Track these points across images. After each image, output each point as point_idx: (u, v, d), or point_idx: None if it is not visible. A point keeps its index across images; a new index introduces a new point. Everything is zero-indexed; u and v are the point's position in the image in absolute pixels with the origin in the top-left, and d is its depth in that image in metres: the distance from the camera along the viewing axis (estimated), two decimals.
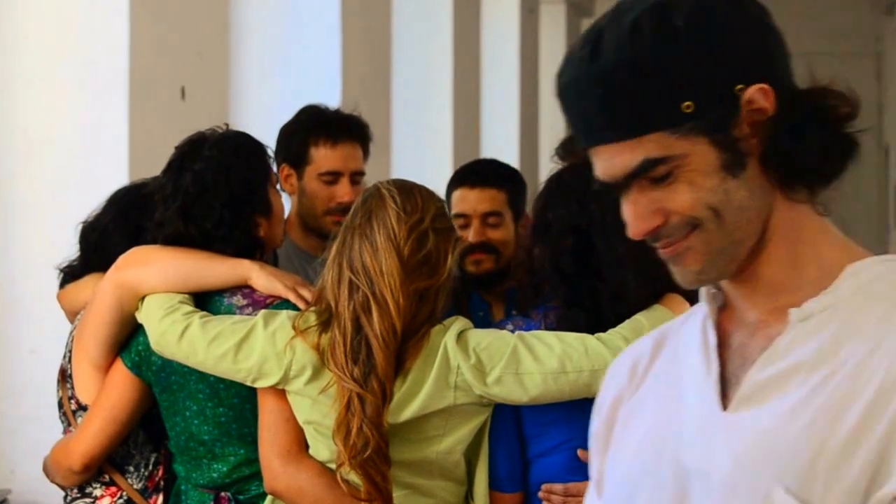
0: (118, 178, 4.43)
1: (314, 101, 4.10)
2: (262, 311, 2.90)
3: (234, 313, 2.98)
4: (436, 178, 3.54)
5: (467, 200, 3.85)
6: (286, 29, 6.19)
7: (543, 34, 12.68)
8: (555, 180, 3.02)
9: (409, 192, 2.86)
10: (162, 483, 3.15)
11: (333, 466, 2.83)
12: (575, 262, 2.89)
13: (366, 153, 3.93)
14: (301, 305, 2.92)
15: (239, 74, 5.94)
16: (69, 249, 3.50)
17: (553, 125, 12.05)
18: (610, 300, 2.87)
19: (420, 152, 8.17)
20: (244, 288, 3.01)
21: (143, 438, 3.15)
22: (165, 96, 4.80)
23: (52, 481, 3.22)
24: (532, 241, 3.02)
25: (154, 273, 2.98)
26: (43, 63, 4.54)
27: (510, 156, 10.22)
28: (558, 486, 2.91)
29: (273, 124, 3.97)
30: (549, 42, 12.93)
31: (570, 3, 13.71)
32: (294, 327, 2.82)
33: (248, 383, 2.87)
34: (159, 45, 4.73)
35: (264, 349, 2.83)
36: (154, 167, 4.23)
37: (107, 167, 4.52)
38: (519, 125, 11.05)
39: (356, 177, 3.87)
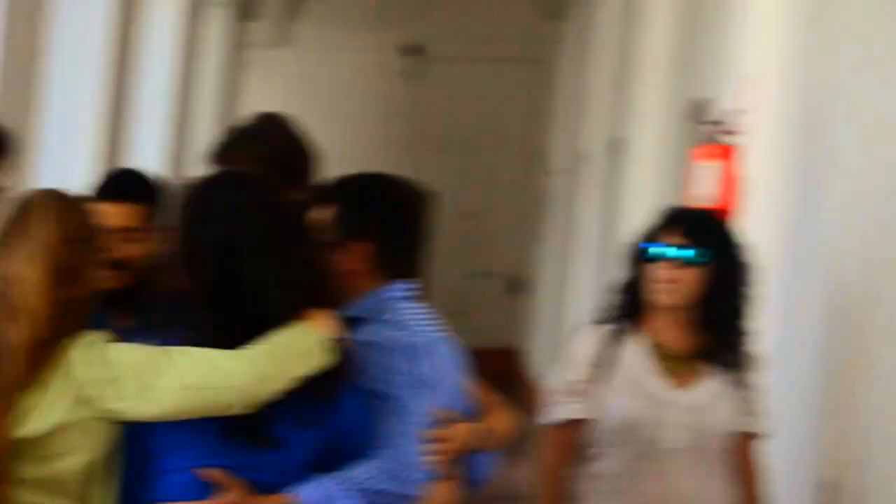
0: None
1: None
2: None
3: None
4: (80, 185, 3.48)
5: (104, 214, 3.80)
6: None
7: (206, 36, 12.54)
8: (198, 196, 2.96)
9: (59, 202, 2.87)
10: None
11: None
12: (220, 289, 2.86)
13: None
14: None
15: None
16: None
17: (204, 131, 11.91)
18: (257, 325, 2.84)
19: (64, 156, 7.92)
20: None
21: None
22: None
23: None
24: (172, 261, 2.95)
25: None
26: None
27: (158, 163, 10.04)
28: None
29: None
30: (209, 44, 12.80)
31: (238, 4, 13.67)
32: None
33: None
34: None
35: None
36: None
37: None
38: (169, 133, 10.86)
39: None
